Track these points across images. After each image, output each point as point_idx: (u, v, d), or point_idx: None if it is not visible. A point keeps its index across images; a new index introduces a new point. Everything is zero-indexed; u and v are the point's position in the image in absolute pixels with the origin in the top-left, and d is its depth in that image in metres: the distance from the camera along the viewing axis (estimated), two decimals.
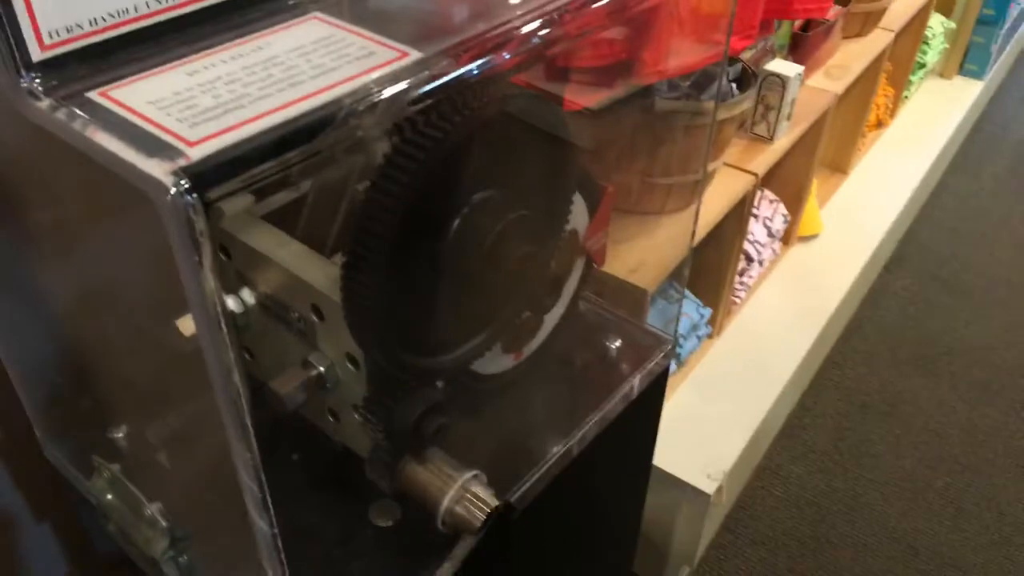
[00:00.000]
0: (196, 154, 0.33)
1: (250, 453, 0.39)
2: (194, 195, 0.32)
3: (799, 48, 1.48)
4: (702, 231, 1.20)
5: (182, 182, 0.32)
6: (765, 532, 1.47)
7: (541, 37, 0.47)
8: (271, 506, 0.42)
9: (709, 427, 1.35)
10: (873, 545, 1.45)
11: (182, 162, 0.33)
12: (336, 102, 0.37)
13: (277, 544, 0.43)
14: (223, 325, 0.34)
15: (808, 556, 1.43)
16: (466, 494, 0.57)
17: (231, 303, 0.58)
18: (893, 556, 1.44)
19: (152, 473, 0.56)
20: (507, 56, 0.45)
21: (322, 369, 0.57)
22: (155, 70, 0.38)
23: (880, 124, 2.11)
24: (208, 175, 0.32)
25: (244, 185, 0.34)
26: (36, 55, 0.35)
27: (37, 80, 0.36)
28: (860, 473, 1.57)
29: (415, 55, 0.41)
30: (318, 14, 0.44)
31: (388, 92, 0.39)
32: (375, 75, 0.39)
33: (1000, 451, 1.61)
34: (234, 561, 0.53)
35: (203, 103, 0.36)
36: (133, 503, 0.56)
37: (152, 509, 0.55)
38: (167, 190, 0.31)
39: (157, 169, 0.32)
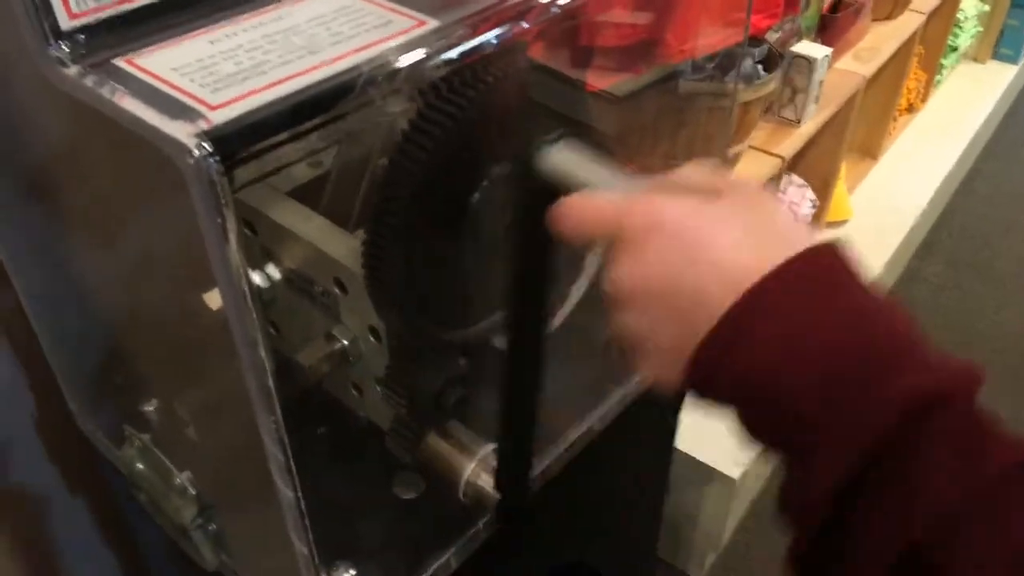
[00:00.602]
0: (218, 117, 0.34)
1: (274, 418, 0.40)
2: (216, 157, 0.32)
3: (827, 30, 1.46)
4: None
5: (204, 144, 0.32)
6: None
7: (560, 7, 0.48)
8: (295, 472, 0.43)
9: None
10: None
11: (204, 125, 0.33)
12: (355, 68, 0.37)
13: (301, 509, 0.44)
14: (246, 285, 0.35)
15: None
16: (487, 467, 0.58)
17: (257, 278, 0.59)
18: None
19: (181, 443, 0.57)
20: (527, 25, 0.46)
21: (345, 342, 0.58)
22: (178, 39, 0.39)
23: (911, 108, 2.07)
24: (231, 138, 0.33)
25: (265, 148, 0.34)
26: (65, 24, 0.36)
27: (66, 48, 0.37)
28: None
29: (433, 23, 0.42)
30: None
31: (406, 60, 0.39)
32: (393, 43, 0.40)
33: None
34: (261, 528, 0.54)
35: (225, 69, 0.37)
36: (163, 472, 0.57)
37: (182, 478, 0.56)
38: (190, 152, 0.32)
39: (180, 131, 0.33)
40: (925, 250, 2.02)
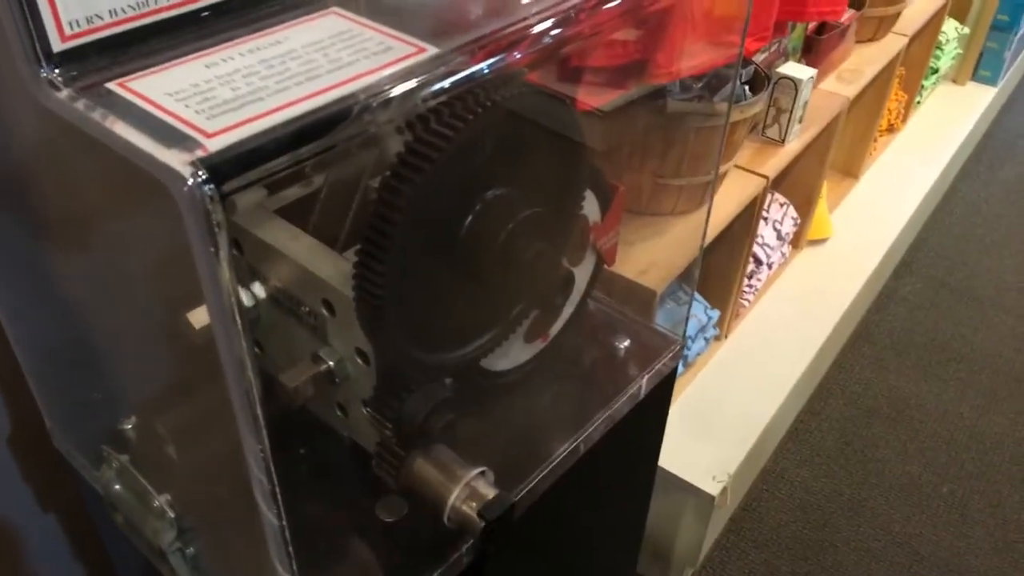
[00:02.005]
0: (214, 145, 0.33)
1: (261, 445, 0.39)
2: (211, 186, 0.32)
3: (812, 51, 1.48)
4: (712, 233, 1.20)
5: (200, 173, 0.32)
6: (769, 535, 1.47)
7: (555, 35, 0.47)
8: (280, 499, 0.42)
9: (715, 429, 1.35)
10: (877, 550, 1.45)
11: (200, 153, 0.33)
12: (352, 96, 0.37)
13: (285, 536, 0.43)
14: (237, 316, 0.35)
15: (812, 560, 1.43)
16: (472, 492, 0.57)
17: (243, 297, 0.58)
18: (897, 561, 1.43)
19: (161, 464, 0.56)
20: (521, 54, 0.45)
21: (331, 364, 0.57)
22: (174, 62, 0.39)
23: (892, 129, 2.10)
24: (225, 166, 0.33)
25: (261, 177, 0.34)
26: (57, 46, 0.35)
27: (57, 71, 0.36)
28: (865, 478, 1.56)
29: (431, 51, 0.41)
30: (336, 9, 0.44)
31: (403, 87, 0.39)
32: (391, 70, 0.39)
33: (1007, 458, 1.60)
34: (241, 553, 0.53)
35: (221, 95, 0.36)
36: (141, 494, 0.56)
37: (160, 500, 0.55)
38: (185, 180, 0.32)
39: (175, 160, 0.32)
40: (904, 268, 2.04)
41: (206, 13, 0.40)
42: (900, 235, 1.87)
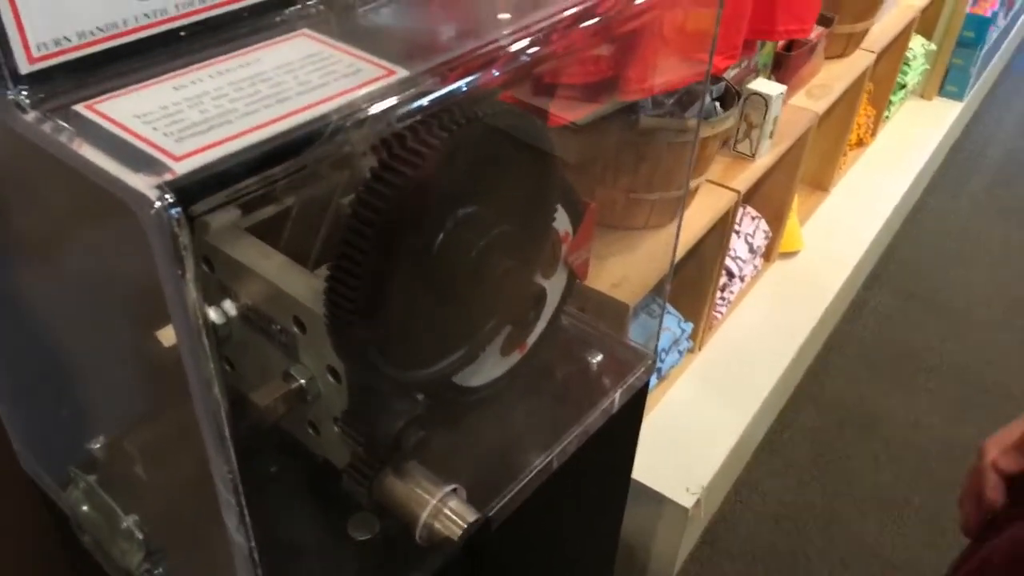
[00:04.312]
0: (181, 168, 0.33)
1: (229, 466, 0.39)
2: (178, 209, 0.32)
3: (782, 67, 1.50)
4: (684, 247, 1.21)
5: (167, 196, 0.32)
6: (743, 546, 1.47)
7: (527, 56, 0.48)
8: (249, 520, 0.42)
9: (689, 441, 1.36)
10: (849, 560, 1.46)
11: (168, 176, 0.33)
12: (322, 119, 0.37)
13: (254, 558, 0.43)
14: (204, 338, 0.35)
15: (785, 570, 1.44)
16: (444, 509, 0.57)
17: (213, 315, 0.58)
18: (869, 572, 1.45)
19: (129, 485, 0.55)
20: (493, 74, 0.46)
21: (303, 382, 0.57)
22: (142, 84, 0.39)
23: (861, 143, 2.13)
24: (193, 190, 0.33)
25: (229, 200, 0.34)
26: (24, 67, 0.35)
27: (24, 92, 0.36)
28: (837, 488, 1.58)
29: (402, 73, 0.42)
30: (307, 31, 0.45)
31: (373, 110, 0.39)
32: (361, 92, 0.39)
33: None
34: (211, 574, 0.53)
35: (190, 118, 0.36)
36: (109, 515, 0.56)
37: (128, 521, 0.55)
38: (151, 204, 0.32)
39: (142, 183, 0.32)
40: (873, 280, 2.07)
41: (175, 35, 0.40)
42: (870, 247, 1.90)
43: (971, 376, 1.84)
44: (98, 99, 0.37)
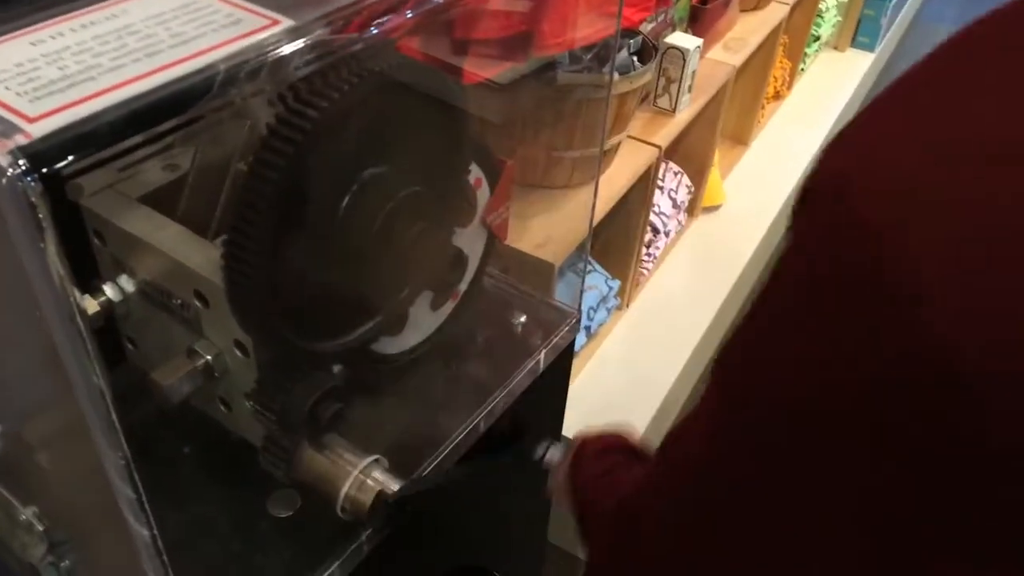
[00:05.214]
0: (37, 131, 0.30)
1: (120, 452, 0.37)
2: (34, 176, 0.29)
3: (698, 21, 1.50)
4: (607, 204, 1.21)
5: (20, 162, 0.29)
6: None
7: (418, 4, 0.46)
8: (148, 508, 0.39)
9: (620, 396, 1.37)
10: None
11: (21, 140, 0.30)
12: (195, 74, 0.34)
13: (158, 546, 0.41)
14: (78, 317, 0.32)
15: None
16: (366, 480, 0.56)
17: (109, 291, 0.54)
18: None
19: (26, 476, 0.52)
20: (389, 23, 0.43)
21: (209, 358, 0.55)
22: None
23: (778, 96, 2.16)
24: (50, 154, 0.30)
25: (97, 163, 0.31)
26: None
27: None
28: None
29: (287, 23, 0.39)
30: None
31: (254, 61, 0.36)
32: (240, 44, 0.37)
33: None
34: (118, 564, 0.50)
35: (47, 75, 0.33)
36: (6, 507, 0.52)
37: (27, 513, 0.51)
38: (3, 171, 0.29)
39: None
40: None
41: None
42: (789, 198, 1.93)
43: None
44: None
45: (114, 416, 0.35)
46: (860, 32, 2.52)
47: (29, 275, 0.30)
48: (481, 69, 0.92)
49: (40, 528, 0.52)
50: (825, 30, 2.31)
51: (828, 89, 2.31)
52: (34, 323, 0.41)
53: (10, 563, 0.55)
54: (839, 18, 2.41)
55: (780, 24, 1.75)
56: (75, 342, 0.32)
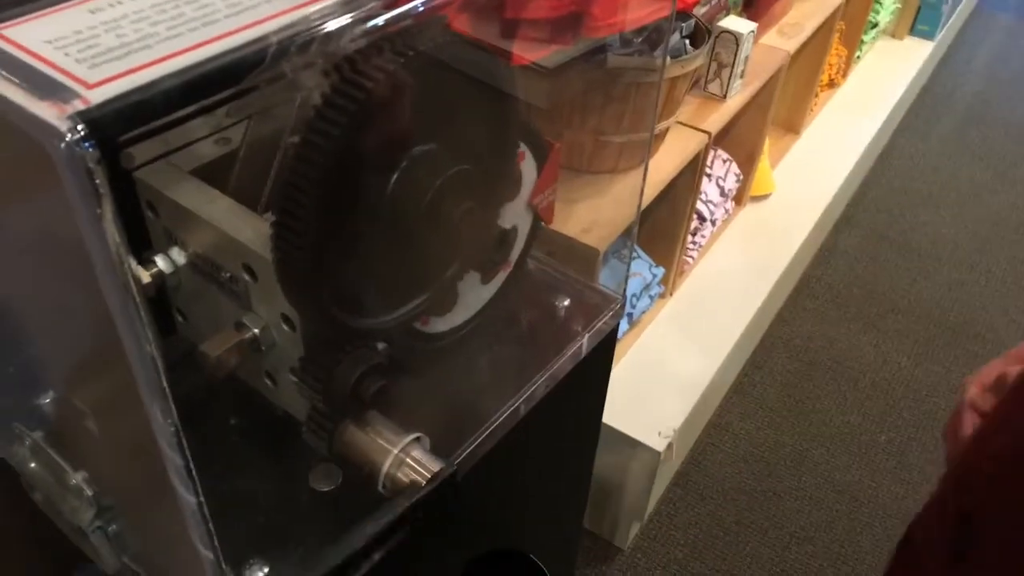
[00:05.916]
0: (95, 97, 0.30)
1: (170, 420, 0.37)
2: (91, 142, 0.29)
3: (753, 4, 1.47)
4: (655, 190, 1.19)
5: (78, 127, 0.29)
6: (714, 487, 1.49)
7: None
8: (196, 476, 0.40)
9: (660, 385, 1.36)
10: (818, 497, 1.49)
11: (79, 105, 0.30)
12: (254, 43, 0.34)
13: (204, 513, 0.41)
14: (133, 285, 0.32)
15: (756, 509, 1.46)
16: (407, 459, 0.56)
17: (160, 262, 0.55)
18: (838, 508, 1.47)
19: (76, 441, 0.53)
20: None
21: (256, 331, 0.55)
22: (54, 8, 0.35)
23: (832, 84, 2.11)
24: (107, 120, 0.30)
25: (150, 132, 0.31)
26: None
27: None
28: (807, 428, 1.60)
29: None
30: None
31: (313, 32, 0.36)
32: (298, 14, 0.36)
33: (943, 406, 1.65)
34: (164, 531, 0.51)
35: (106, 43, 0.33)
36: (57, 472, 0.53)
37: (77, 478, 0.53)
38: (61, 136, 0.29)
39: (50, 112, 0.29)
40: (844, 223, 2.07)
41: None
42: (840, 190, 1.89)
43: (938, 315, 1.86)
44: (5, 24, 0.34)
45: (165, 384, 0.35)
46: (920, 20, 2.45)
47: (85, 243, 0.31)
48: (529, 51, 0.91)
49: (89, 493, 0.53)
50: (883, 17, 2.25)
51: (884, 78, 2.25)
52: (89, 291, 0.42)
53: (62, 527, 0.56)
54: (897, 5, 2.34)
55: (837, 10, 1.70)
56: (129, 310, 0.32)
